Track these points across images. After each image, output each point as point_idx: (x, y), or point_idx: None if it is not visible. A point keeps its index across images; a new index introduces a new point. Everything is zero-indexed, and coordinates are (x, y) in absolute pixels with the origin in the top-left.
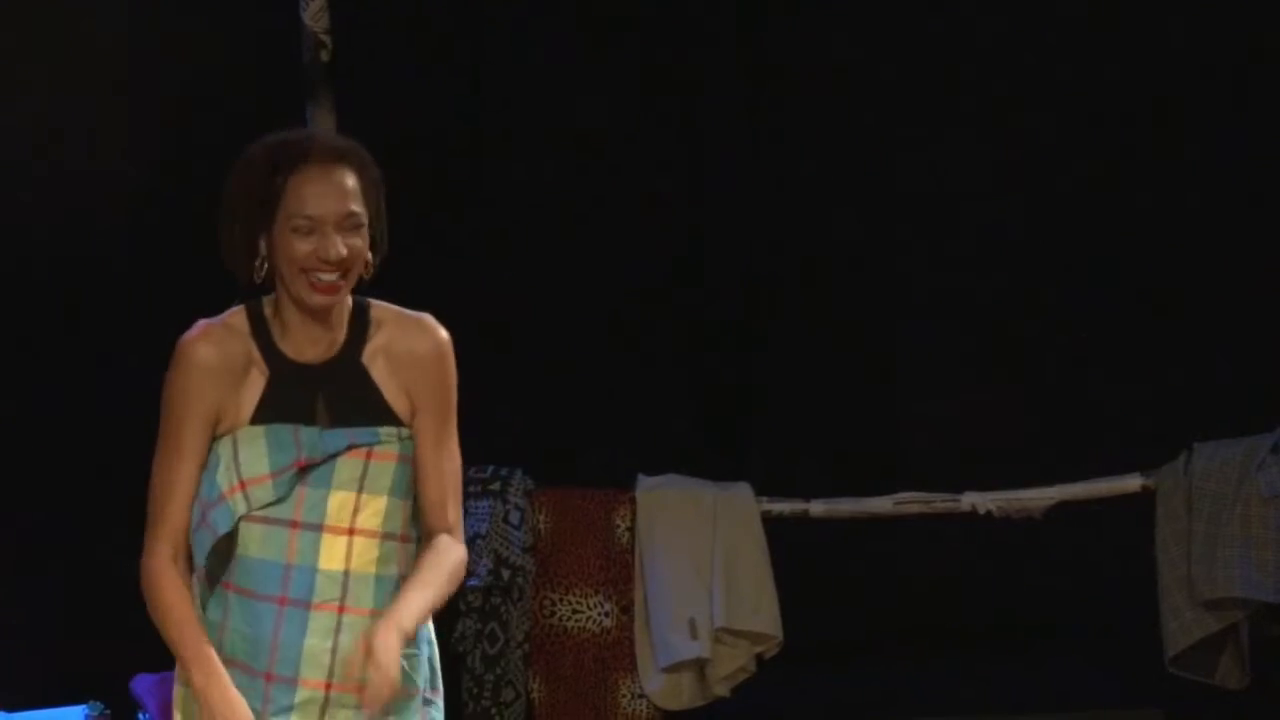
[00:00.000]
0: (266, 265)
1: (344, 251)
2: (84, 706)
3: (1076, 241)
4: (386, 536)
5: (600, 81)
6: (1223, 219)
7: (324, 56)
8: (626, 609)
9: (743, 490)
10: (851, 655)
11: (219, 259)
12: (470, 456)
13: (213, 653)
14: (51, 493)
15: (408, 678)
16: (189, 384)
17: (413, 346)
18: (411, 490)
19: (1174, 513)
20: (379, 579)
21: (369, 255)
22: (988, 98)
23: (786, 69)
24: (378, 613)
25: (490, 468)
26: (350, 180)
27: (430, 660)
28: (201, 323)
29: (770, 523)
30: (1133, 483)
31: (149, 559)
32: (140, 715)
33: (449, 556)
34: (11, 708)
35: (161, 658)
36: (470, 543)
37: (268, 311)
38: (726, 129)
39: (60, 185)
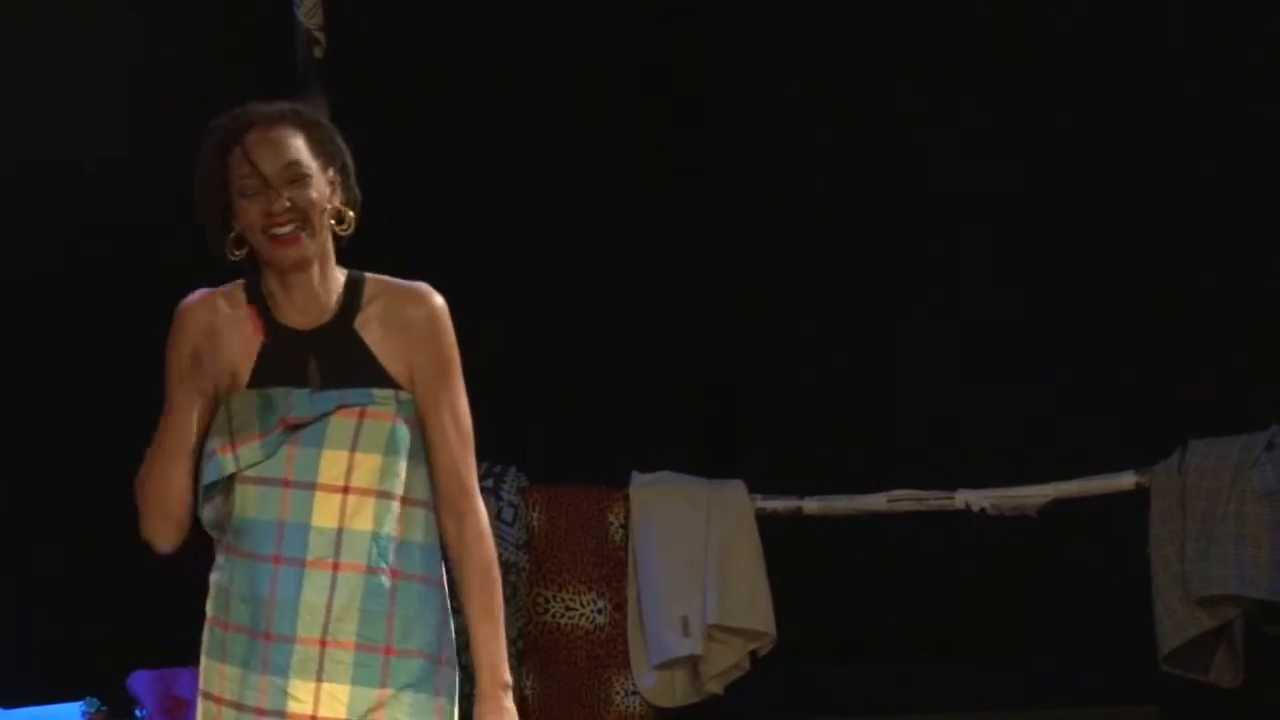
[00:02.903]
0: (243, 244)
1: (288, 204)
2: (81, 703)
3: (1072, 240)
4: (383, 495)
5: (598, 79)
6: (1218, 217)
7: (317, 53)
8: (620, 606)
9: (737, 487)
10: (845, 653)
11: (210, 254)
12: None
13: None
14: (49, 491)
15: (408, 638)
16: (179, 343)
17: (406, 313)
18: (414, 451)
19: (1168, 511)
20: (375, 536)
21: (331, 206)
22: (989, 97)
23: (790, 65)
24: (372, 569)
25: (484, 465)
26: (291, 136)
27: (435, 625)
28: (201, 290)
29: (764, 520)
30: (1127, 480)
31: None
32: (137, 712)
33: (484, 568)
34: (9, 704)
35: (158, 654)
36: None
37: (265, 284)
38: (727, 125)
39: (52, 183)
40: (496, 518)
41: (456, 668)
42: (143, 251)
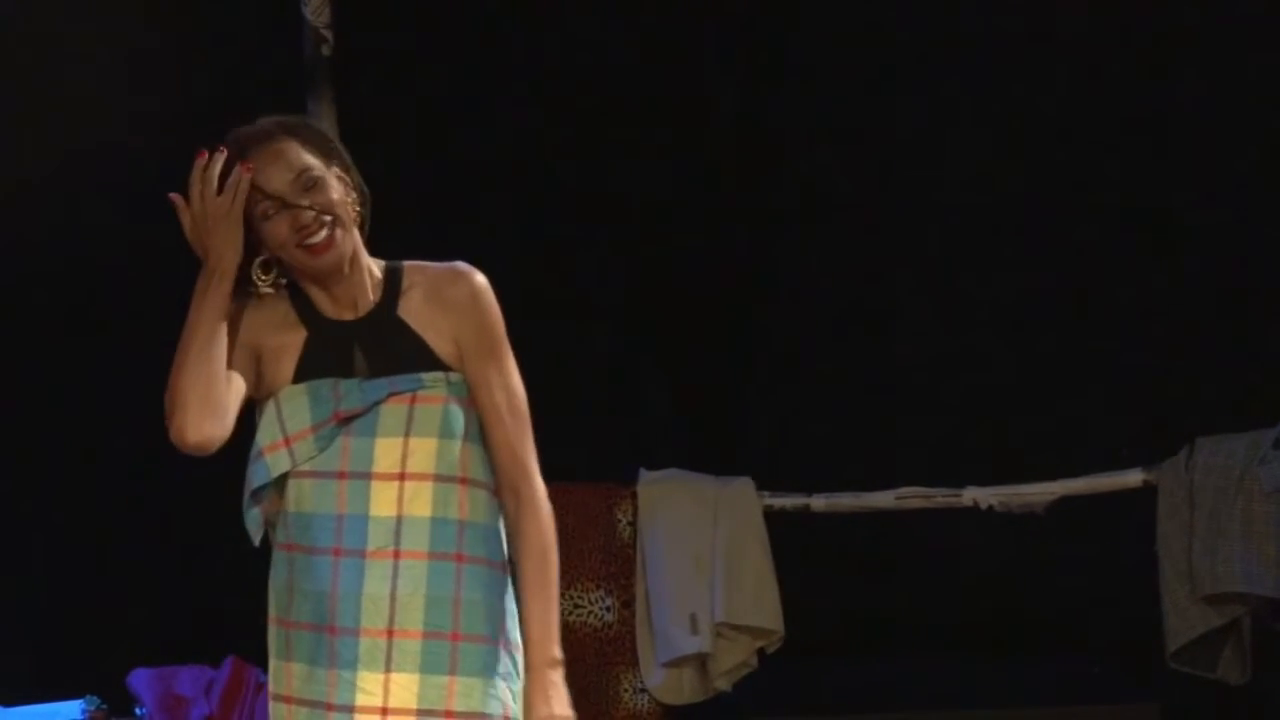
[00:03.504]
0: (270, 268)
1: (312, 212)
2: (81, 701)
3: (1077, 234)
4: (441, 479)
5: (601, 76)
6: (1224, 214)
7: (325, 51)
8: (628, 603)
9: (744, 484)
10: (852, 650)
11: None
12: None
13: None
14: (49, 489)
15: (474, 622)
16: (241, 308)
17: (447, 292)
18: (470, 432)
19: (1175, 508)
20: (435, 521)
21: (350, 200)
22: (990, 94)
23: (790, 65)
24: (435, 555)
25: None
26: (287, 147)
27: (498, 609)
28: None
29: (771, 517)
30: (1134, 477)
31: None
32: (136, 710)
33: (540, 545)
34: (9, 702)
35: (158, 652)
36: None
37: (305, 285)
38: (727, 124)
39: (58, 181)
40: None
41: (521, 651)
42: (145, 253)
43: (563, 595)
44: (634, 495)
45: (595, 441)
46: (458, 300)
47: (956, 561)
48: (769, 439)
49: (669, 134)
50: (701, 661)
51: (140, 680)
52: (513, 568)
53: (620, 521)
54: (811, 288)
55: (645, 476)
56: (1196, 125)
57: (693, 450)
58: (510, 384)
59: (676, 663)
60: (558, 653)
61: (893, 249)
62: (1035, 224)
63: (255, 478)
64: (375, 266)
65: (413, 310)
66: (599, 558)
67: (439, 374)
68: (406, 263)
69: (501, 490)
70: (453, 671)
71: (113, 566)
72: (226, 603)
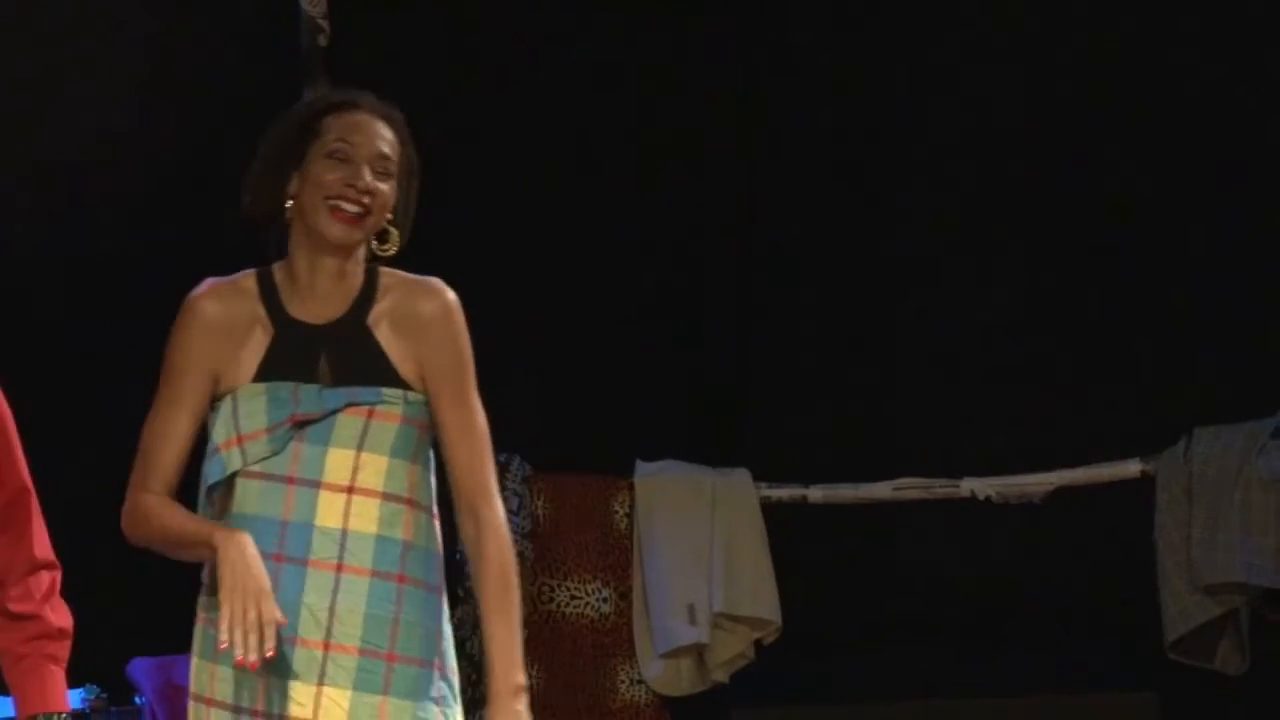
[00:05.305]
0: (291, 207)
1: (371, 184)
2: (80, 690)
3: (1076, 228)
4: (389, 498)
5: (600, 75)
6: (1222, 206)
7: (322, 41)
8: (625, 595)
9: (741, 476)
10: (849, 640)
11: (212, 243)
12: None
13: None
14: (48, 482)
15: (410, 645)
16: (190, 338)
17: (418, 309)
18: (419, 455)
19: (1174, 498)
20: (380, 539)
21: (390, 216)
22: (990, 96)
23: (789, 63)
24: (378, 573)
25: None
26: (391, 135)
27: (435, 633)
28: (209, 280)
29: (769, 508)
30: (1132, 468)
31: (134, 496)
32: (136, 699)
33: (501, 568)
34: (9, 692)
35: (158, 641)
36: None
37: (278, 276)
38: (726, 123)
39: (51, 172)
40: None
41: (457, 675)
42: (139, 250)
43: (559, 587)
44: (631, 487)
45: (591, 433)
46: (426, 319)
47: (953, 552)
48: (765, 430)
49: (667, 132)
50: (699, 653)
51: (140, 669)
52: (475, 588)
53: (617, 513)
54: (808, 277)
55: (642, 468)
56: (1198, 122)
57: (689, 441)
58: (474, 405)
59: (674, 654)
60: (521, 679)
61: (891, 241)
62: (1033, 216)
63: (211, 474)
64: (359, 273)
65: (381, 322)
66: (596, 549)
67: (398, 391)
68: (382, 269)
69: (461, 511)
70: (386, 692)
71: (112, 557)
72: None
